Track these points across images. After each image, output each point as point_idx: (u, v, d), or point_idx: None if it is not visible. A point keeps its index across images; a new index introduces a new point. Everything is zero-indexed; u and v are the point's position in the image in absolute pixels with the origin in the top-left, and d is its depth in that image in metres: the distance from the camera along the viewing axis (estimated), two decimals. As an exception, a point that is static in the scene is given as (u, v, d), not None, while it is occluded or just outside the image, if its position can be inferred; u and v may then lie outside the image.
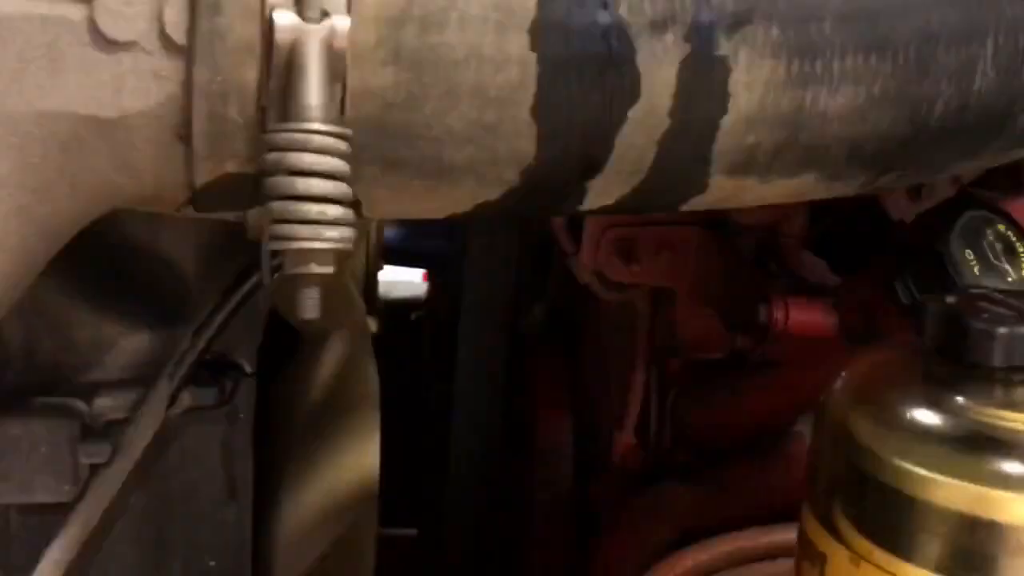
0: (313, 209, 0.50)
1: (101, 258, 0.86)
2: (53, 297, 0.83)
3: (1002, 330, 0.59)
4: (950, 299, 0.66)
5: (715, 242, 1.13)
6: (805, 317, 0.97)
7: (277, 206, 0.50)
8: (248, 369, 0.94)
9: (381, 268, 2.04)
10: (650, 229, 1.14)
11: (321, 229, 0.50)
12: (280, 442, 1.34)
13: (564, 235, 1.25)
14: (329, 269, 0.51)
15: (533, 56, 0.56)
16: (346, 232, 0.51)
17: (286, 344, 1.40)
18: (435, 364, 2.00)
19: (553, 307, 1.62)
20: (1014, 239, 0.87)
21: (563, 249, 1.26)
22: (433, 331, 2.21)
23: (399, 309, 2.58)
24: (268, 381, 1.29)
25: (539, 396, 1.60)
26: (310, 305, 0.52)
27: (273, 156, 0.50)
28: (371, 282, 1.86)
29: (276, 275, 0.84)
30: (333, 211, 0.51)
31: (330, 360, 1.46)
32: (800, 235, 1.09)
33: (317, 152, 0.50)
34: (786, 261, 1.09)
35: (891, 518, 0.63)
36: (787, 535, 1.10)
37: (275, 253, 0.82)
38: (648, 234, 1.14)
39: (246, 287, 0.83)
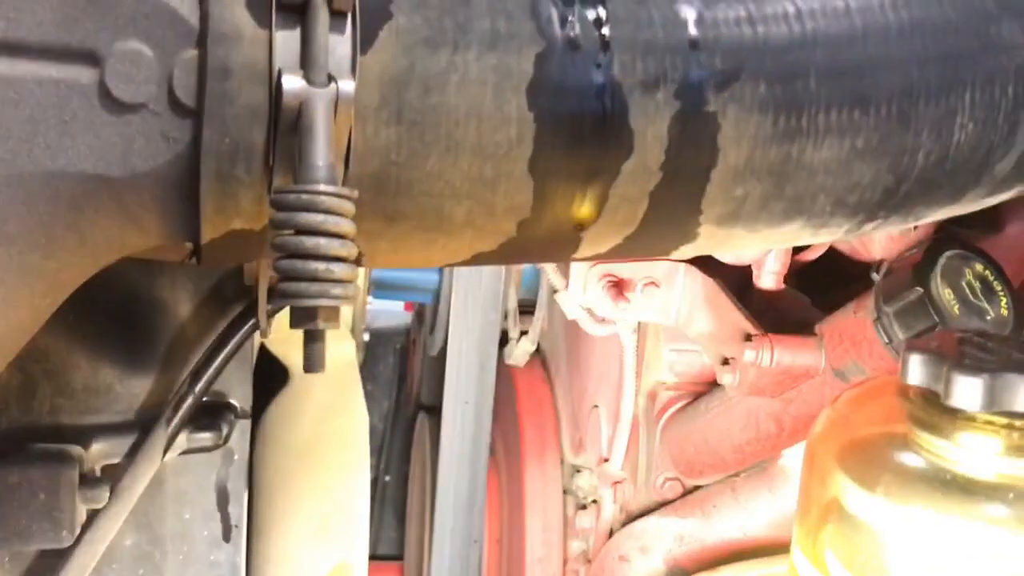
0: (321, 267, 0.51)
1: (98, 303, 0.87)
2: (50, 342, 0.83)
3: (984, 376, 0.60)
4: (932, 342, 0.67)
5: (700, 277, 1.15)
6: (790, 355, 0.98)
7: (285, 264, 0.52)
8: (243, 410, 0.95)
9: (368, 301, 2.06)
10: (637, 266, 1.16)
11: (328, 287, 0.51)
12: (268, 477, 1.35)
13: (553, 271, 1.27)
14: (336, 325, 0.53)
15: (530, 115, 0.58)
16: (351, 290, 0.53)
17: (272, 378, 1.41)
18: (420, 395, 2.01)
19: (540, 340, 1.63)
20: (992, 278, 0.89)
21: (552, 285, 1.28)
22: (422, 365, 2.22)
23: (383, 339, 2.59)
24: (255, 416, 1.30)
25: (525, 426, 1.61)
26: (316, 360, 0.53)
27: (282, 216, 0.52)
28: (358, 313, 1.87)
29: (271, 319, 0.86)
30: (339, 269, 0.52)
31: (318, 394, 1.47)
32: (782, 271, 1.11)
33: (325, 212, 0.51)
34: (769, 296, 1.11)
35: (875, 554, 0.65)
36: (775, 570, 1.11)
37: (270, 296, 0.84)
38: (636, 271, 1.16)
39: (242, 331, 0.84)
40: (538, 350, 1.66)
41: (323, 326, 0.52)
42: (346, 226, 0.52)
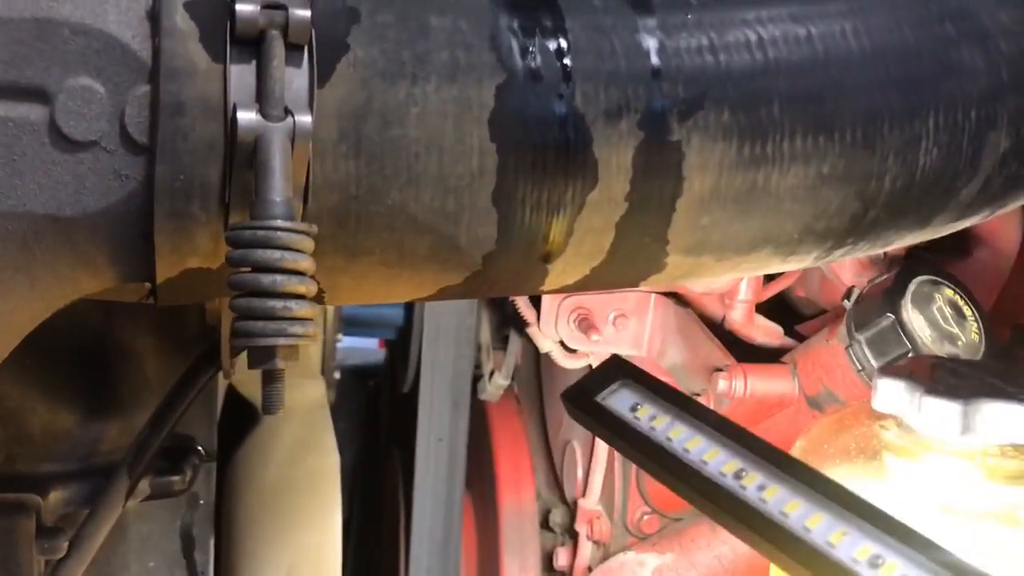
0: (278, 305, 0.50)
1: (55, 344, 0.85)
2: (5, 387, 0.81)
3: (957, 402, 0.60)
4: (905, 369, 0.67)
5: (671, 308, 1.14)
6: (764, 384, 0.98)
7: (242, 303, 0.50)
8: (207, 453, 0.92)
9: (339, 338, 2.03)
10: (608, 298, 1.15)
11: (286, 325, 0.50)
12: (237, 521, 1.32)
13: (524, 305, 1.26)
14: (295, 364, 0.51)
15: (492, 146, 0.57)
16: (310, 328, 0.51)
17: (241, 419, 1.39)
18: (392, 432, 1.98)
19: (513, 375, 1.62)
20: (962, 303, 0.89)
21: (523, 319, 1.27)
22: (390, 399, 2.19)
23: (356, 376, 2.57)
24: (222, 458, 1.27)
25: (500, 464, 1.59)
26: (275, 400, 0.52)
27: (238, 253, 0.50)
28: (328, 351, 1.85)
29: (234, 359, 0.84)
30: (298, 306, 0.50)
31: (288, 435, 1.44)
32: (753, 300, 1.11)
33: (282, 248, 0.50)
34: (740, 326, 1.11)
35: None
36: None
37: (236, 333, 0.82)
38: (606, 303, 1.15)
39: (205, 373, 0.82)
40: (511, 384, 1.64)
41: (282, 365, 0.51)
42: (305, 262, 0.51)
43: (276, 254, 0.50)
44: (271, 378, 0.51)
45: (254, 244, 0.50)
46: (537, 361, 1.59)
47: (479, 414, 1.66)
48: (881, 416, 0.66)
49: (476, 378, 1.65)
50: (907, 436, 0.64)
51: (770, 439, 1.06)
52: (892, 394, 0.64)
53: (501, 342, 1.62)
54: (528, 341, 1.49)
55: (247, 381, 1.32)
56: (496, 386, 1.58)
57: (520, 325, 1.40)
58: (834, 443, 0.70)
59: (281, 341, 0.50)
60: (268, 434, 1.40)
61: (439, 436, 1.63)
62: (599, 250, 0.63)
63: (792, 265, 0.69)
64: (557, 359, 1.25)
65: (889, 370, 0.66)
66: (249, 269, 0.50)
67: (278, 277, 0.50)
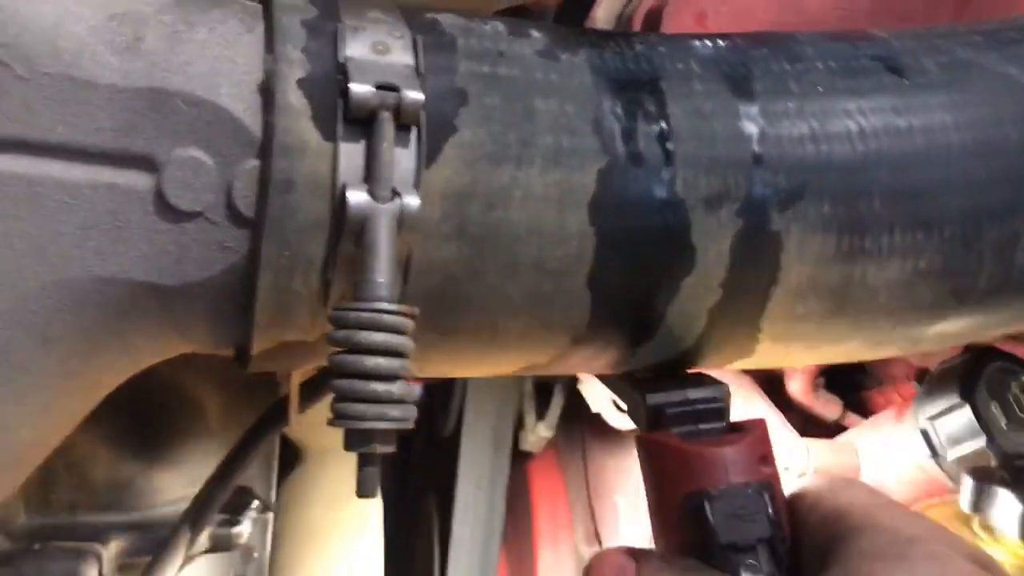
0: (380, 388, 0.49)
1: (122, 393, 0.85)
2: (74, 435, 0.81)
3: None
4: (995, 473, 0.65)
5: (731, 375, 1.13)
6: (828, 465, 0.96)
7: (344, 384, 0.50)
8: (265, 505, 0.92)
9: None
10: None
11: (387, 409, 0.50)
12: (276, 563, 1.31)
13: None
14: (391, 448, 0.51)
15: (592, 230, 0.57)
16: (410, 411, 0.51)
17: (283, 460, 1.38)
18: (430, 475, 1.97)
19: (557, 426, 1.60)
20: (1037, 391, 0.88)
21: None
22: (428, 443, 2.18)
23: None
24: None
25: (538, 516, 1.57)
26: (371, 484, 0.51)
27: (342, 334, 0.50)
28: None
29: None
30: (398, 389, 0.50)
31: (332, 477, 1.44)
32: (815, 370, 1.09)
33: (386, 331, 0.50)
34: (800, 396, 1.09)
35: None
36: None
37: (304, 391, 0.82)
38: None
39: (273, 430, 0.82)
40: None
41: (380, 450, 0.50)
42: (407, 345, 0.51)
43: (380, 337, 0.50)
44: (368, 461, 0.51)
45: (359, 326, 0.50)
46: (579, 414, 1.58)
47: (518, 464, 1.64)
48: (969, 517, 0.65)
49: (517, 427, 1.65)
50: (999, 542, 0.62)
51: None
52: (983, 497, 0.62)
53: (544, 393, 1.61)
54: (570, 393, 1.48)
55: (293, 424, 1.31)
56: (538, 437, 1.56)
57: (566, 377, 1.39)
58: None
59: (381, 425, 0.49)
60: (310, 475, 1.39)
61: (479, 484, 1.62)
62: (690, 335, 0.62)
63: (879, 355, 0.68)
64: (608, 418, 1.24)
65: (979, 472, 0.64)
66: (350, 350, 0.50)
67: (382, 360, 0.49)
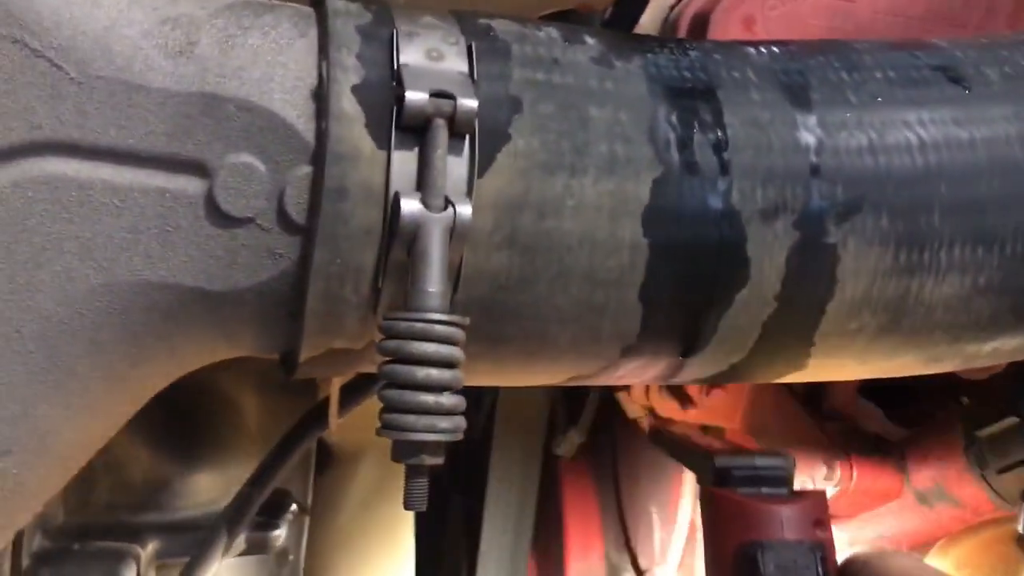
0: (430, 400, 0.49)
1: (162, 394, 0.85)
2: (115, 435, 0.81)
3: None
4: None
5: (771, 386, 1.11)
6: (871, 480, 0.94)
7: (393, 395, 0.49)
8: (301, 508, 0.92)
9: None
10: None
11: (437, 420, 0.49)
12: (308, 565, 1.30)
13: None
14: (440, 460, 0.50)
15: (645, 241, 0.55)
16: (460, 422, 0.50)
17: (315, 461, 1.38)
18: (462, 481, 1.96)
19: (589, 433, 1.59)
20: (1088, 408, 0.86)
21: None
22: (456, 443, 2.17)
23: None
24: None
25: (569, 523, 1.56)
26: (419, 496, 0.50)
27: (393, 344, 0.49)
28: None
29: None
30: (448, 401, 0.49)
31: (362, 479, 1.43)
32: (857, 381, 1.07)
33: (437, 341, 0.49)
34: (840, 406, 1.07)
35: None
36: None
37: (344, 395, 0.81)
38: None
39: (312, 433, 0.81)
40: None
41: (429, 461, 0.49)
42: (457, 355, 0.50)
43: (431, 347, 0.49)
44: (416, 472, 0.50)
45: (410, 336, 0.49)
46: (612, 420, 1.57)
47: (549, 469, 1.63)
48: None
49: (549, 432, 1.63)
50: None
51: (873, 528, 1.02)
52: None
53: (577, 398, 1.60)
54: (604, 399, 1.46)
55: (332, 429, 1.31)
56: (571, 442, 1.55)
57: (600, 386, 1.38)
58: (981, 565, 0.67)
59: (431, 437, 0.49)
60: (342, 477, 1.39)
61: (509, 487, 1.61)
62: (741, 348, 0.61)
63: (933, 371, 0.67)
64: (644, 425, 1.23)
65: (1036, 491, 0.63)
66: (400, 360, 0.49)
67: (432, 371, 0.49)
